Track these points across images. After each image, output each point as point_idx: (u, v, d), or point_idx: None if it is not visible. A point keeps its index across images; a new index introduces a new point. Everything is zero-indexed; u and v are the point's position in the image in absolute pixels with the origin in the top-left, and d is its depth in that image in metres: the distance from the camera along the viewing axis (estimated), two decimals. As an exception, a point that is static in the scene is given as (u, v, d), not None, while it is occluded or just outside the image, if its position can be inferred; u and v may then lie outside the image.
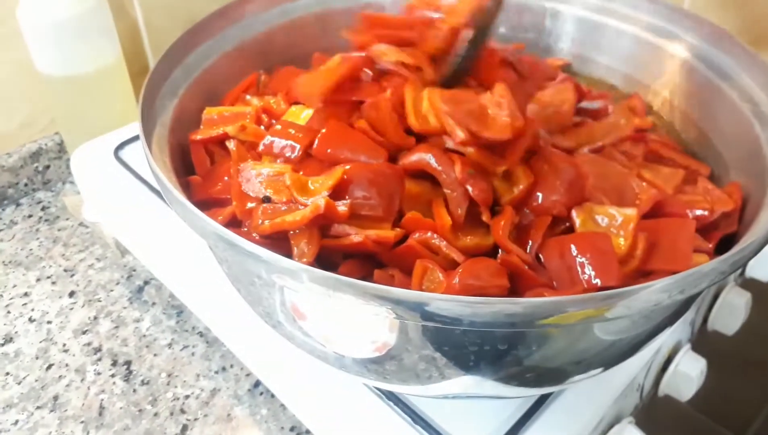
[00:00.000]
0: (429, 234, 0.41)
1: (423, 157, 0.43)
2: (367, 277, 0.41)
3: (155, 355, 0.60)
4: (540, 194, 0.42)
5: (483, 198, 0.41)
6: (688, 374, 0.54)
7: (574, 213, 0.41)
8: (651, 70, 0.58)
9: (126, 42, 0.78)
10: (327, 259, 0.42)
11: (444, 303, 0.32)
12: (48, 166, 0.79)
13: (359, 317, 0.38)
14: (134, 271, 0.69)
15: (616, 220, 0.40)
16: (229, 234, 0.35)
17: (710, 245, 0.43)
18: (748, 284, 0.66)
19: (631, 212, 0.40)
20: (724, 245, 0.43)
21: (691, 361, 0.54)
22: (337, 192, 0.41)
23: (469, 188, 0.41)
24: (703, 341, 0.62)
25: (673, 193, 0.46)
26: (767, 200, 0.41)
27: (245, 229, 0.43)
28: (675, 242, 0.39)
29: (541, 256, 0.40)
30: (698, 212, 0.43)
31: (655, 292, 0.32)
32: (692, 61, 0.54)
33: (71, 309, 0.65)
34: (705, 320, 0.63)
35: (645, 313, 0.37)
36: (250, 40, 0.57)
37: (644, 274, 0.39)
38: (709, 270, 0.33)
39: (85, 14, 0.67)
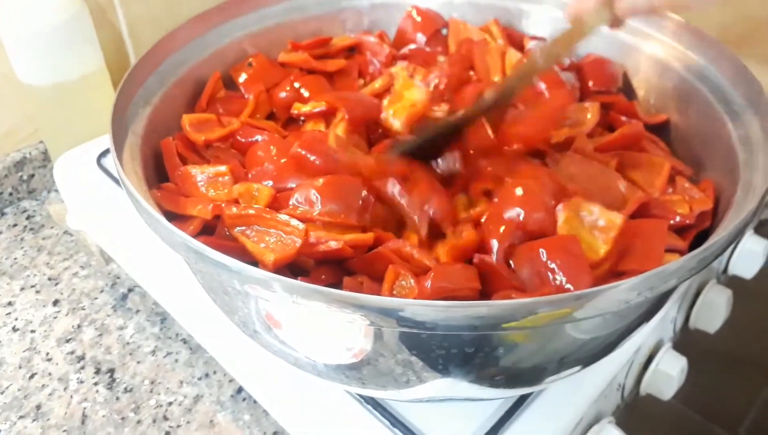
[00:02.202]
0: (401, 242, 0.41)
1: (387, 187, 0.43)
2: (336, 284, 0.41)
3: (138, 362, 0.60)
4: (522, 211, 0.42)
5: (442, 217, 0.42)
6: (669, 373, 0.54)
7: (560, 208, 0.41)
8: (626, 70, 0.58)
9: (110, 52, 0.78)
10: (297, 266, 0.42)
11: (418, 308, 0.32)
12: (32, 175, 0.79)
13: (334, 324, 0.38)
14: (118, 278, 0.69)
15: (600, 222, 0.40)
16: (198, 245, 0.35)
17: (685, 243, 0.43)
18: (731, 282, 0.66)
19: (618, 220, 0.40)
20: (701, 240, 0.44)
21: (671, 359, 0.55)
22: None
23: (429, 210, 0.41)
24: (686, 340, 0.62)
25: (658, 195, 0.46)
26: (736, 198, 0.41)
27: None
28: (648, 243, 0.40)
29: (511, 262, 0.40)
30: (678, 216, 0.43)
31: (623, 292, 0.33)
32: (667, 60, 0.54)
33: (55, 318, 0.65)
34: (687, 319, 0.63)
35: (617, 312, 0.37)
36: (225, 46, 0.57)
37: (616, 274, 0.39)
38: (676, 268, 0.34)
39: (66, 23, 0.67)
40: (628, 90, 0.58)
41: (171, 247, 0.37)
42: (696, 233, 0.45)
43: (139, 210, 0.38)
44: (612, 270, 0.39)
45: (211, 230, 0.44)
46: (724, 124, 0.47)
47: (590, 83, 0.57)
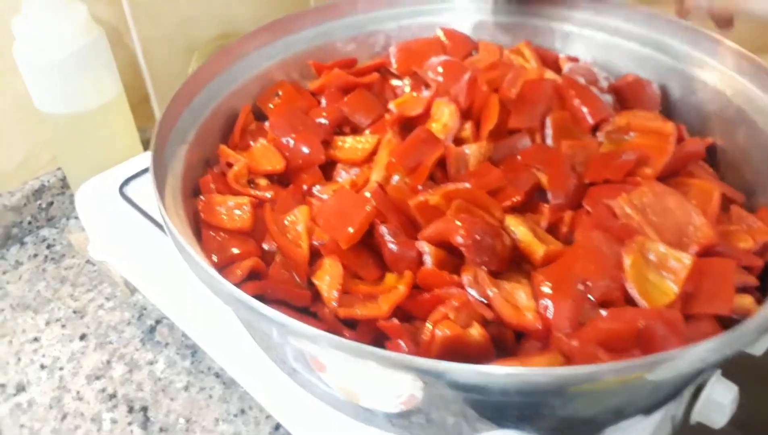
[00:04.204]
0: (455, 290, 0.40)
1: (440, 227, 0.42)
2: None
3: (172, 399, 0.59)
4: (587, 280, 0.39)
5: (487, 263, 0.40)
6: (720, 402, 0.52)
7: (623, 253, 0.39)
8: (667, 90, 0.57)
9: (124, 73, 0.76)
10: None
11: (464, 373, 0.31)
12: (51, 203, 0.78)
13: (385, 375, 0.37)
14: (145, 309, 0.68)
15: (669, 262, 0.39)
16: (250, 300, 0.34)
17: (754, 279, 0.41)
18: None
19: (688, 260, 0.38)
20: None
21: (722, 388, 0.53)
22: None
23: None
24: (733, 364, 0.60)
25: (714, 223, 0.44)
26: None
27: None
28: (716, 284, 0.38)
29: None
30: (747, 258, 0.41)
31: (702, 352, 0.32)
32: (709, 80, 0.53)
33: (83, 353, 0.64)
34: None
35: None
36: (254, 77, 0.56)
37: (686, 317, 0.38)
38: (756, 325, 0.33)
39: (84, 50, 0.65)
40: (667, 111, 0.57)
41: (222, 300, 0.36)
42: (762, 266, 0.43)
43: (186, 259, 0.37)
44: (683, 312, 0.38)
45: (258, 275, 0.42)
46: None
47: (629, 106, 0.55)
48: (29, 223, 0.77)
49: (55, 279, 0.72)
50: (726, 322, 0.40)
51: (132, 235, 0.64)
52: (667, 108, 0.57)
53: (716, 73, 0.53)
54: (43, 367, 0.62)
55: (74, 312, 0.68)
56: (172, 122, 0.46)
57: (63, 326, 0.66)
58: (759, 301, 0.40)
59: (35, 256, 0.74)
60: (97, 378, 0.61)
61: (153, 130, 0.43)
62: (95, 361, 0.63)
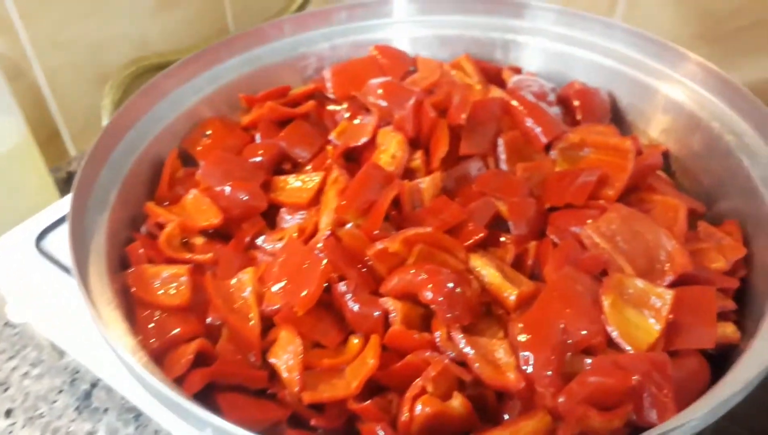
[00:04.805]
0: (430, 353, 0.36)
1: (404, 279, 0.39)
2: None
3: (118, 474, 0.54)
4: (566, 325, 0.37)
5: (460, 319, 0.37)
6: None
7: (601, 294, 0.37)
8: (614, 96, 0.55)
9: (29, 109, 0.70)
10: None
11: None
12: (-42, 261, 0.70)
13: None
14: (77, 372, 0.62)
15: (647, 299, 0.37)
16: (205, 414, 0.30)
17: (732, 303, 0.40)
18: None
19: (668, 296, 0.37)
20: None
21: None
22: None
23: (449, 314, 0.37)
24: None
25: (683, 243, 0.42)
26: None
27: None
28: (698, 316, 0.36)
29: None
30: (723, 282, 0.40)
31: (696, 422, 0.30)
32: (659, 86, 0.51)
33: (10, 432, 0.57)
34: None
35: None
36: (179, 115, 0.50)
37: (671, 353, 0.36)
38: (742, 387, 0.31)
39: (-24, 95, 0.58)
40: (616, 118, 0.55)
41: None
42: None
43: (131, 372, 0.32)
44: (666, 349, 0.36)
45: (207, 358, 0.38)
46: (738, 159, 0.45)
47: (579, 117, 0.53)
48: (-66, 286, 0.69)
49: (-30, 348, 0.64)
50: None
51: (53, 292, 0.58)
52: (616, 115, 0.55)
53: (667, 80, 0.51)
54: (-36, 455, 0.56)
55: (-4, 384, 0.61)
56: (89, 188, 0.41)
57: (-16, 403, 0.60)
58: (738, 325, 0.39)
59: (-56, 323, 0.67)
60: (30, 460, 0.55)
61: (69, 196, 0.38)
62: (26, 441, 0.56)
